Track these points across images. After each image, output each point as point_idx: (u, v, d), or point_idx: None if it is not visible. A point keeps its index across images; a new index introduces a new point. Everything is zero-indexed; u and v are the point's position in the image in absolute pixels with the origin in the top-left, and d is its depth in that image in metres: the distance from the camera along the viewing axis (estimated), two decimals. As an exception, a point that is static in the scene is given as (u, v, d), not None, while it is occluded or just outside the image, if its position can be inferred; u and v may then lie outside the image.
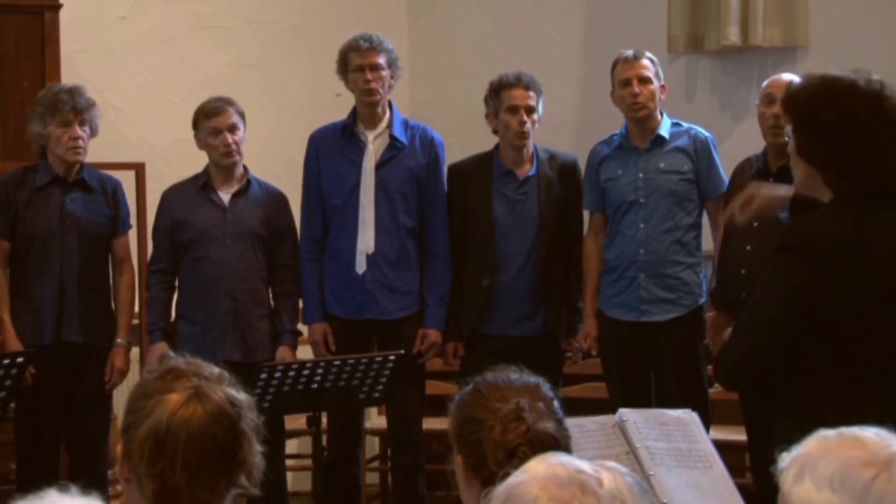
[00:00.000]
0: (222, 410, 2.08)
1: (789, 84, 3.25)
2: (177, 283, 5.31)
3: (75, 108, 5.09)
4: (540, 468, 1.68)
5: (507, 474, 1.74)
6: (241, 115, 5.25)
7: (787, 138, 3.21)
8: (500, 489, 1.69)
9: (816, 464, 1.85)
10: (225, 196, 5.28)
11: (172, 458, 2.04)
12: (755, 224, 4.85)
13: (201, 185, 5.29)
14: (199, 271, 5.21)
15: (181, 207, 5.28)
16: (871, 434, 1.87)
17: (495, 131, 5.32)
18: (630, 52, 5.22)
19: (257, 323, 5.23)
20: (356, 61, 5.25)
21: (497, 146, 5.35)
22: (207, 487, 2.05)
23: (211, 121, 5.20)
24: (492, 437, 2.28)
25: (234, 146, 5.19)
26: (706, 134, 5.28)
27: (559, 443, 2.29)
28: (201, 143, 5.26)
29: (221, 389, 2.11)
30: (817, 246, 2.95)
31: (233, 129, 5.20)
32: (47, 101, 5.11)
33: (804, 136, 3.03)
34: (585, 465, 1.68)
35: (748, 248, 4.81)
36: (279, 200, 5.36)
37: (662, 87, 5.23)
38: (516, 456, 2.24)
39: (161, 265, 5.30)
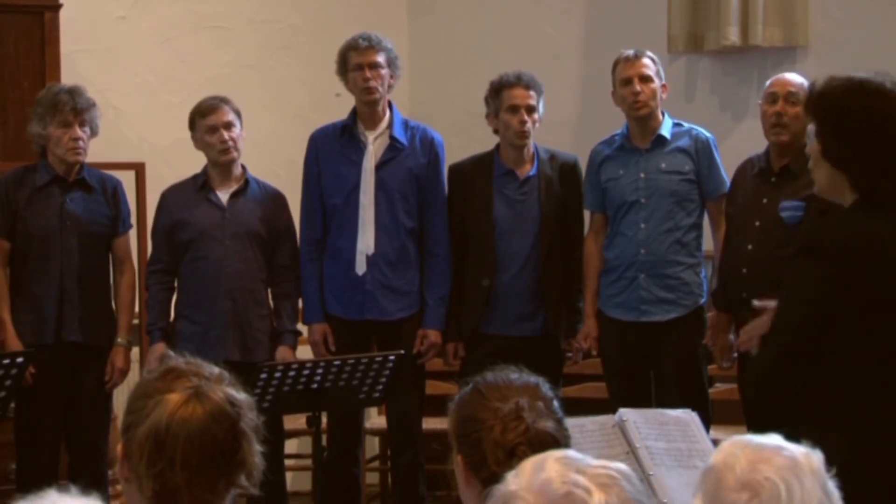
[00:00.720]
0: (222, 410, 2.08)
1: (812, 85, 3.20)
2: (176, 283, 5.31)
3: (75, 108, 5.08)
4: (539, 477, 1.66)
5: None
6: (237, 114, 5.25)
7: (807, 141, 3.19)
8: (497, 494, 1.68)
9: (706, 478, 1.89)
10: (223, 196, 5.27)
11: (172, 457, 2.04)
12: (756, 223, 4.86)
13: (200, 184, 5.28)
14: (199, 271, 5.21)
15: (180, 207, 5.28)
16: (752, 450, 1.88)
17: (496, 131, 5.31)
18: (631, 52, 5.21)
19: (257, 323, 5.23)
20: (355, 60, 5.25)
21: (497, 146, 5.34)
22: (207, 487, 2.05)
23: (207, 119, 5.20)
24: (492, 436, 2.29)
25: (230, 142, 5.19)
26: (707, 134, 5.28)
27: (559, 442, 2.29)
28: (198, 142, 5.25)
29: (221, 389, 2.11)
30: (840, 247, 2.94)
31: (229, 126, 5.20)
32: (47, 101, 5.11)
33: (832, 138, 3.01)
34: (580, 478, 1.65)
35: (749, 247, 4.81)
36: (278, 200, 5.36)
37: (663, 86, 5.22)
38: (516, 455, 2.24)
39: (160, 265, 5.30)
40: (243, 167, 5.33)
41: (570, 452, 1.73)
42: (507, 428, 2.29)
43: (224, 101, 5.26)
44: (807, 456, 1.89)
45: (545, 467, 1.68)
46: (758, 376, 3.12)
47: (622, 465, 1.70)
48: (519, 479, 1.68)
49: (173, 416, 2.06)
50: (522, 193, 5.29)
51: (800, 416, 2.99)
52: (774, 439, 1.92)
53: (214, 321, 5.17)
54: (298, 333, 5.35)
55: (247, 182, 5.30)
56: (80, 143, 5.10)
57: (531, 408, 2.31)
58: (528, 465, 1.70)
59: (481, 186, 5.29)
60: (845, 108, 2.99)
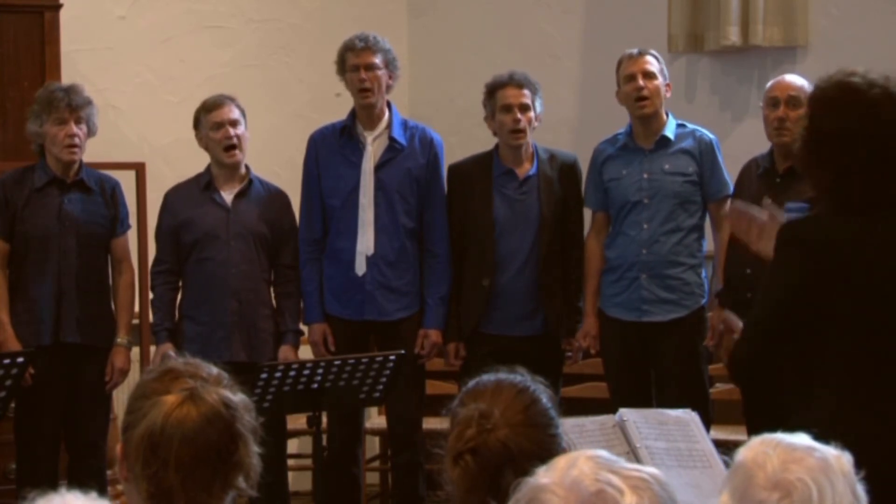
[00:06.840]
0: (216, 412, 2.08)
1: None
2: (180, 283, 5.31)
3: (71, 105, 5.07)
4: (571, 474, 1.65)
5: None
6: (243, 112, 5.24)
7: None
8: (526, 487, 1.67)
9: (735, 475, 1.88)
10: (228, 196, 5.26)
11: (166, 459, 2.04)
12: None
13: (204, 184, 5.27)
14: (204, 272, 5.20)
15: (184, 208, 5.26)
16: (784, 450, 1.89)
17: (495, 133, 5.31)
18: (635, 50, 5.22)
19: (262, 323, 5.23)
20: (352, 61, 5.25)
21: (497, 146, 5.34)
22: (202, 488, 2.06)
23: (212, 114, 5.19)
24: (449, 441, 2.23)
25: (235, 139, 5.18)
26: (711, 136, 5.27)
27: (513, 455, 2.17)
28: (203, 140, 5.24)
29: (217, 391, 2.11)
30: (820, 242, 2.95)
31: (235, 123, 5.19)
32: (44, 99, 5.10)
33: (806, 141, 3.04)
34: (614, 478, 1.64)
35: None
36: (282, 200, 5.35)
37: (667, 85, 5.22)
38: (458, 464, 2.18)
39: (165, 266, 5.28)
40: (247, 166, 5.32)
41: (603, 452, 1.70)
42: (459, 434, 2.20)
43: (230, 98, 5.25)
44: (838, 458, 1.89)
45: (577, 464, 1.67)
46: (742, 359, 3.15)
47: (655, 470, 1.68)
48: (550, 473, 1.67)
49: (168, 417, 2.06)
50: (522, 193, 5.28)
51: (778, 397, 3.04)
52: (805, 439, 1.92)
53: (220, 322, 5.17)
54: (301, 333, 5.36)
55: (250, 182, 5.30)
56: (76, 139, 5.07)
57: (492, 415, 2.20)
58: (561, 460, 1.69)
59: (481, 186, 5.29)
60: (815, 117, 3.00)
